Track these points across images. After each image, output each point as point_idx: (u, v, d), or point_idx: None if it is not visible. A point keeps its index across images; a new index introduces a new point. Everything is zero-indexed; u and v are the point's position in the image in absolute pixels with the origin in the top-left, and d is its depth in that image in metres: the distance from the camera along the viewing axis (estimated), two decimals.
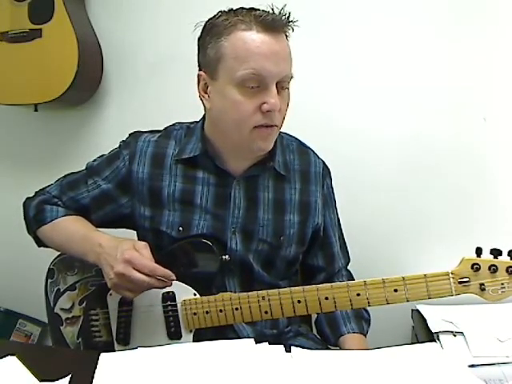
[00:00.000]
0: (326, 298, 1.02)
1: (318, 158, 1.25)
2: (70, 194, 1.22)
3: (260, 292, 1.04)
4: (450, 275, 0.98)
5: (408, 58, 1.60)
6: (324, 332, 1.22)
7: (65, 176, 1.26)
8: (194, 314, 1.08)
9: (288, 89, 1.08)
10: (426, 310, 1.39)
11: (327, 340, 1.21)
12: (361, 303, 1.01)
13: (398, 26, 1.59)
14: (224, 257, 1.11)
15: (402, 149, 1.63)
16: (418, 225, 1.64)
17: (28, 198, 1.27)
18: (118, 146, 1.23)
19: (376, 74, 1.62)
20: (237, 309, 1.05)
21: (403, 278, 0.99)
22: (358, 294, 1.00)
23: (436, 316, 1.33)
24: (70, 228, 1.17)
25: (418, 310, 1.42)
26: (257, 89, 1.02)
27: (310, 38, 1.60)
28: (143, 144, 1.18)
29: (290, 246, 1.17)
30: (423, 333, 1.32)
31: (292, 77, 1.07)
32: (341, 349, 1.15)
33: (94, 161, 1.24)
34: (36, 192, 1.27)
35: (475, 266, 0.96)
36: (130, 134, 1.23)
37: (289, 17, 1.04)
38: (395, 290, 0.99)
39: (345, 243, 1.30)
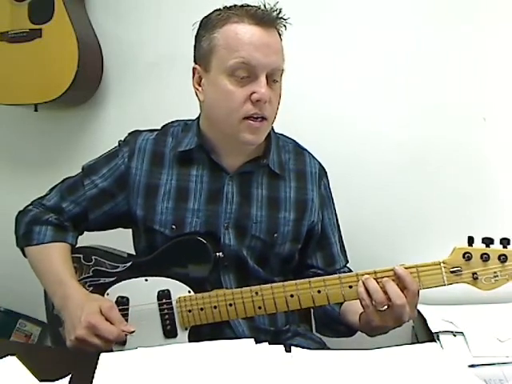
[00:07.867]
0: (319, 292, 1.02)
1: (314, 158, 1.26)
2: (71, 197, 1.21)
3: (253, 287, 1.05)
4: (442, 265, 0.98)
5: (407, 58, 1.59)
6: (326, 309, 1.18)
7: (63, 181, 1.25)
8: (189, 311, 1.08)
9: (279, 83, 1.09)
10: (426, 309, 1.39)
11: (332, 314, 1.17)
12: (354, 296, 1.01)
13: (398, 25, 1.59)
14: (218, 254, 1.12)
15: (402, 149, 1.63)
16: (417, 225, 1.63)
17: (20, 213, 1.24)
18: (117, 144, 1.23)
19: (375, 74, 1.62)
20: (230, 305, 1.05)
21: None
22: (351, 287, 1.00)
23: (436, 316, 1.33)
24: (50, 263, 1.14)
25: (418, 310, 1.41)
26: (247, 79, 1.04)
27: (310, 36, 1.60)
28: (142, 142, 1.20)
29: (284, 244, 1.18)
30: (423, 333, 1.32)
31: (283, 70, 1.08)
32: (347, 315, 1.12)
33: (90, 161, 1.24)
34: (33, 201, 1.25)
35: (467, 255, 0.96)
36: (129, 133, 1.24)
37: (279, 13, 1.06)
38: None
39: (343, 245, 1.30)
